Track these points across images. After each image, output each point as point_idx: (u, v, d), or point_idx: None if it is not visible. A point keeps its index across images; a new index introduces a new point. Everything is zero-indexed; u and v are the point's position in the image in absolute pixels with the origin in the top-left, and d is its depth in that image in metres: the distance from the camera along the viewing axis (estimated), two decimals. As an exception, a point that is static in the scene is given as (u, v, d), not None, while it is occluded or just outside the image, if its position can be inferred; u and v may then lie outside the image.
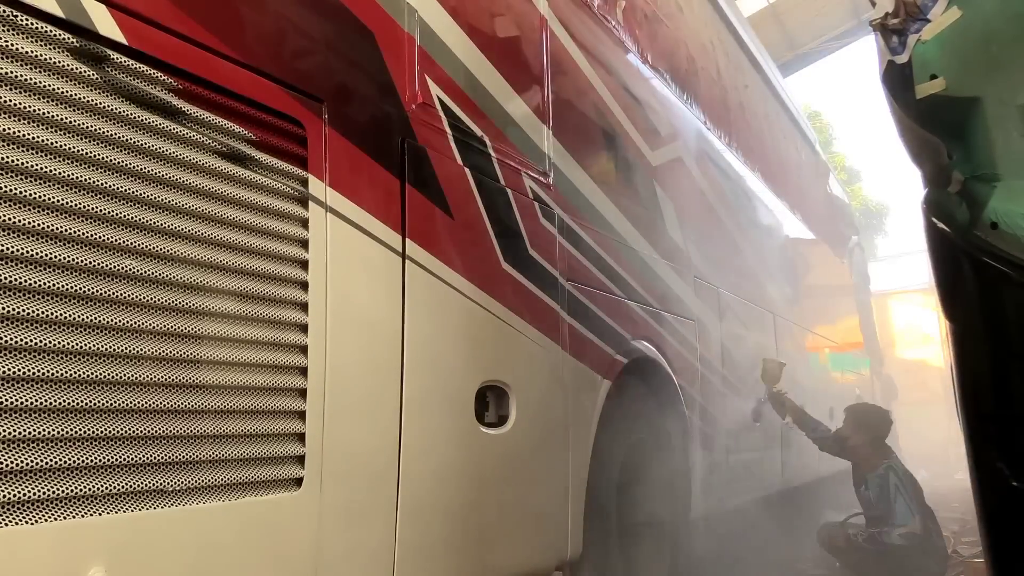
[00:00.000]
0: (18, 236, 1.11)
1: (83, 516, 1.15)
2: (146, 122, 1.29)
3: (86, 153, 1.20)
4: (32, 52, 1.14)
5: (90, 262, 1.19)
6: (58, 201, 1.16)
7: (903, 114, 1.66)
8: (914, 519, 3.86)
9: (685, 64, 3.99)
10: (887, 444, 4.31)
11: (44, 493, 1.10)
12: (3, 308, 1.08)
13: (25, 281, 1.10)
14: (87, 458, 1.16)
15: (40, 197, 1.13)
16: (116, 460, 1.20)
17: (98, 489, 1.17)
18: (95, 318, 1.19)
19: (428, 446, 1.81)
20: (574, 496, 2.35)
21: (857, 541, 3.99)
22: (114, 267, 1.22)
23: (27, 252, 1.11)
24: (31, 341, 1.11)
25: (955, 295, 1.67)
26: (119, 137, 1.25)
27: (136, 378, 1.23)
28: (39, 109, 1.15)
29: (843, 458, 4.51)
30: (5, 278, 1.08)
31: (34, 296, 1.11)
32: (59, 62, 1.17)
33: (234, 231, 1.41)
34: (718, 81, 4.56)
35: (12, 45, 1.12)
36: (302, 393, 1.50)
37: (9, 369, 1.08)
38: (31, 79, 1.14)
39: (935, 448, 11.64)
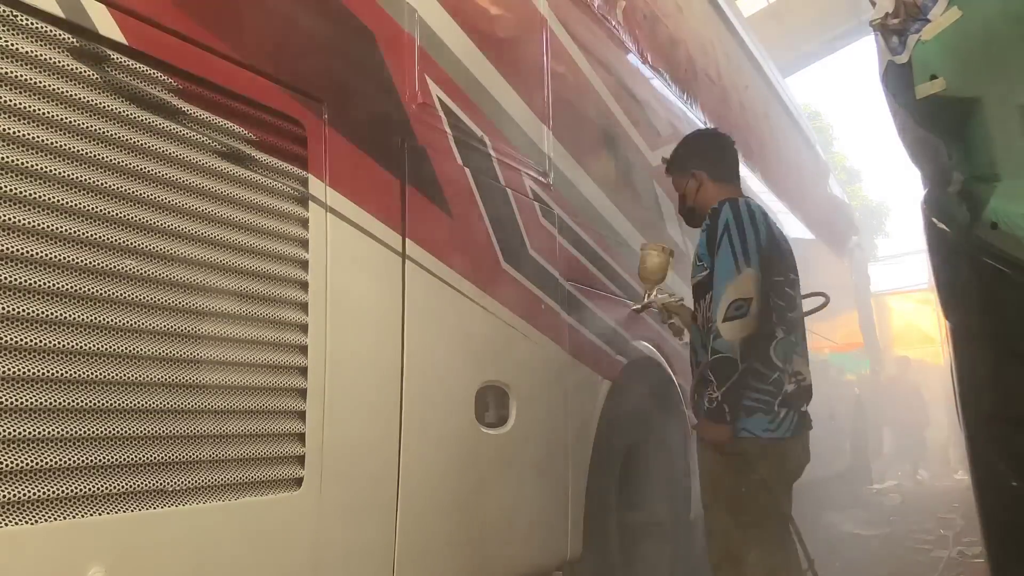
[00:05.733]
0: (18, 236, 1.11)
1: (83, 516, 1.15)
2: (146, 122, 1.28)
3: (86, 153, 1.20)
4: (32, 52, 1.14)
5: (91, 262, 1.19)
6: (58, 201, 1.16)
7: (903, 114, 1.66)
8: (742, 272, 2.01)
9: (685, 64, 3.99)
10: (742, 196, 2.33)
11: (44, 493, 1.10)
12: (3, 308, 1.08)
13: (25, 281, 1.10)
14: (87, 458, 1.16)
15: (40, 197, 1.13)
16: (116, 460, 1.20)
17: (98, 489, 1.17)
18: (96, 318, 1.19)
19: (428, 446, 1.81)
20: (574, 496, 2.35)
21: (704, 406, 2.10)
22: (114, 267, 1.22)
23: (27, 252, 1.11)
24: (31, 341, 1.10)
25: (955, 295, 1.67)
26: (119, 137, 1.24)
27: (136, 378, 1.23)
28: (39, 109, 1.15)
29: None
30: (5, 278, 1.08)
31: (34, 296, 1.11)
32: (59, 62, 1.17)
33: (234, 231, 1.41)
34: (718, 81, 4.56)
35: (12, 45, 1.12)
36: (302, 393, 1.50)
37: (9, 369, 1.08)
38: (31, 79, 1.14)
39: (935, 448, 11.65)
